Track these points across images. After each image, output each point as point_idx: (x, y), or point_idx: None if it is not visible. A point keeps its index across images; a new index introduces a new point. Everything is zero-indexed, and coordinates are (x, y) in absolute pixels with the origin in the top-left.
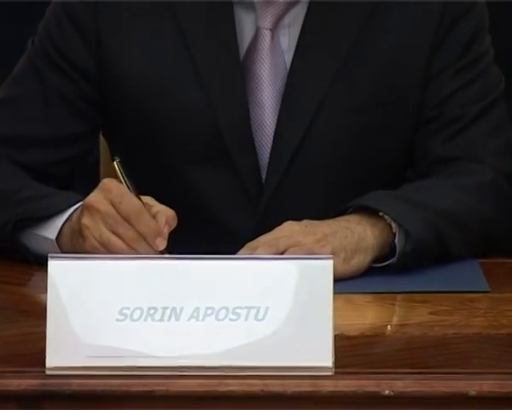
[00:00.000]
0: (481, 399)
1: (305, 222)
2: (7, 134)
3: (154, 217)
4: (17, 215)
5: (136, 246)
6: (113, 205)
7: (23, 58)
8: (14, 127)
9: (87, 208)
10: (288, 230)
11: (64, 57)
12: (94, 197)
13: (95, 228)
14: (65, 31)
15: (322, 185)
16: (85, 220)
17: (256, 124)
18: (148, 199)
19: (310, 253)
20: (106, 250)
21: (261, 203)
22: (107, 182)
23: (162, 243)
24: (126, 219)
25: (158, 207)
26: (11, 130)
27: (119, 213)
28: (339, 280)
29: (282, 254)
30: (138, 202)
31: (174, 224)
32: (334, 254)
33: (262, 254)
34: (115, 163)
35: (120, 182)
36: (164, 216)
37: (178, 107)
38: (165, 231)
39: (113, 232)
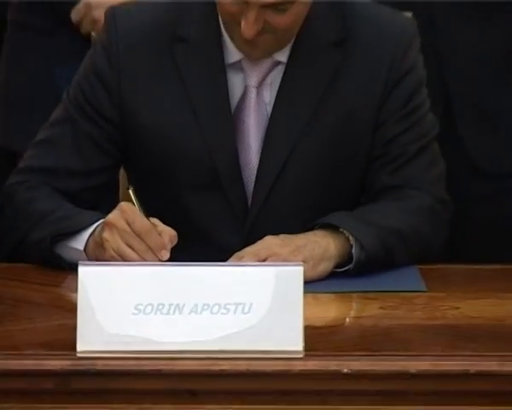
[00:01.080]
0: (420, 376)
1: (281, 236)
2: (47, 166)
3: (159, 234)
4: (53, 231)
5: (145, 256)
6: (128, 223)
7: (60, 105)
8: (53, 161)
9: (107, 225)
10: (268, 242)
11: (93, 108)
12: (113, 216)
13: (113, 241)
14: (94, 87)
15: (295, 209)
16: (106, 235)
17: (244, 162)
18: (155, 220)
19: (285, 261)
20: (122, 259)
21: (247, 224)
22: (123, 205)
23: (166, 255)
24: (138, 235)
25: (163, 227)
26: (51, 163)
27: (133, 230)
28: (308, 282)
29: (263, 261)
30: (148, 221)
31: (175, 241)
32: (304, 261)
33: (247, 261)
34: (130, 191)
35: (134, 205)
36: (167, 234)
37: (182, 149)
38: (169, 245)
39: (128, 245)
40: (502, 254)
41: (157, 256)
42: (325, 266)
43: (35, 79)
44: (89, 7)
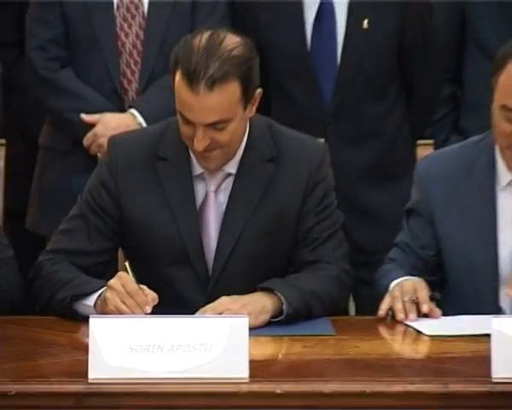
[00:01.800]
0: (331, 394)
1: (233, 297)
2: (67, 248)
3: (145, 295)
4: (72, 294)
5: (134, 310)
6: (123, 286)
7: (76, 205)
8: (71, 245)
9: (109, 287)
10: (223, 301)
11: (99, 207)
12: (113, 281)
13: (112, 299)
14: (100, 193)
15: (242, 277)
16: (107, 294)
17: (206, 245)
18: (143, 286)
19: (235, 314)
20: (118, 313)
21: (208, 288)
22: (121, 273)
23: (148, 309)
24: (130, 295)
25: (148, 290)
26: (69, 246)
27: (126, 291)
28: (252, 329)
29: (219, 314)
30: (137, 286)
31: (156, 300)
32: (249, 314)
33: (209, 314)
34: (126, 264)
35: (129, 274)
36: (151, 295)
37: (161, 237)
38: (151, 303)
39: (122, 302)
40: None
41: (142, 310)
42: (263, 318)
43: (59, 185)
44: (95, 136)
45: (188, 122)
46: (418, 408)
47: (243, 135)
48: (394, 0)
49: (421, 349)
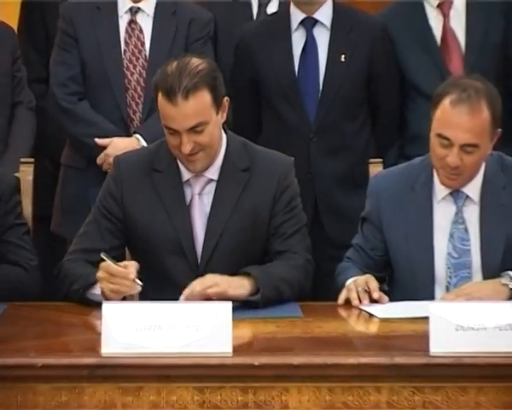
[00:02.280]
0: (300, 366)
1: (218, 276)
2: (84, 248)
3: (126, 266)
4: (83, 284)
5: (122, 285)
6: (106, 272)
7: (90, 213)
8: (87, 245)
9: (98, 280)
10: (211, 276)
11: (109, 212)
12: (98, 274)
13: (105, 287)
14: (108, 201)
15: (225, 264)
16: (101, 286)
17: (196, 239)
18: (122, 263)
19: (223, 290)
20: (114, 294)
21: (198, 273)
22: (101, 264)
23: (132, 276)
24: (114, 276)
25: (127, 262)
26: (86, 246)
27: (111, 274)
28: (234, 312)
29: (207, 286)
30: (116, 267)
31: (137, 267)
32: (229, 287)
33: (196, 288)
34: (102, 255)
35: (108, 261)
36: (131, 264)
37: (158, 232)
38: (134, 271)
39: (112, 284)
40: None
41: (129, 280)
42: (242, 292)
43: (77, 195)
44: (107, 156)
45: (173, 132)
46: (369, 377)
47: (220, 139)
48: (365, 40)
49: (372, 329)
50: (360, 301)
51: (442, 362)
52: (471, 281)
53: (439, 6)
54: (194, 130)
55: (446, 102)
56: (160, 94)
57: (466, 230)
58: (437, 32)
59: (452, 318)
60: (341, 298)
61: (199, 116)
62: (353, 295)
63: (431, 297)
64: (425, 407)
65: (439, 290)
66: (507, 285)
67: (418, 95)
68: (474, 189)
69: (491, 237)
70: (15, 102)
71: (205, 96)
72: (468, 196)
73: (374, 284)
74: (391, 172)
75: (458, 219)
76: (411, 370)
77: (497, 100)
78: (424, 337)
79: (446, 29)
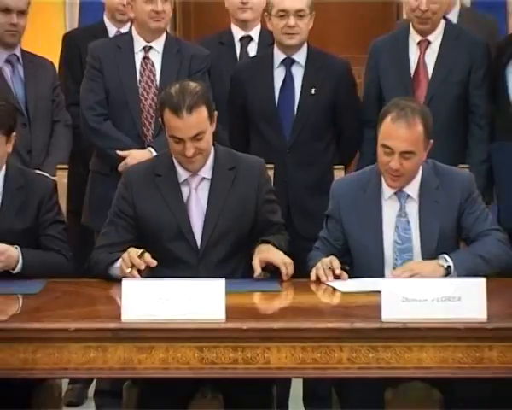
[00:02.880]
0: (279, 329)
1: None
2: (105, 243)
3: (139, 257)
4: (108, 261)
5: (133, 270)
6: (128, 254)
7: (108, 216)
8: (107, 241)
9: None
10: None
11: (122, 213)
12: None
13: (122, 263)
14: (122, 203)
15: (221, 247)
16: (120, 261)
17: (193, 226)
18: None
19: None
20: (127, 273)
21: (199, 254)
22: (129, 249)
23: (142, 266)
24: (131, 259)
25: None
26: (106, 242)
27: (129, 257)
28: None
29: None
30: (134, 252)
31: (153, 263)
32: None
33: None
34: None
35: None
36: (149, 259)
37: (162, 223)
38: (142, 263)
39: (125, 263)
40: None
41: (136, 265)
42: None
43: (101, 195)
44: (126, 164)
45: (178, 141)
46: (334, 338)
47: (211, 146)
48: (331, 77)
49: (336, 300)
50: (326, 276)
51: (391, 327)
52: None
53: (419, 43)
54: (195, 138)
55: (388, 118)
56: (166, 110)
57: (408, 222)
58: (413, 63)
59: (400, 291)
60: (312, 275)
61: (199, 127)
62: (321, 273)
63: (381, 276)
64: (378, 363)
65: (387, 270)
66: (442, 266)
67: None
68: (413, 189)
69: (428, 227)
70: (55, 121)
71: (203, 111)
72: (409, 195)
73: (336, 262)
74: (348, 178)
75: (402, 214)
76: (367, 333)
77: (429, 117)
78: (377, 307)
79: (420, 62)
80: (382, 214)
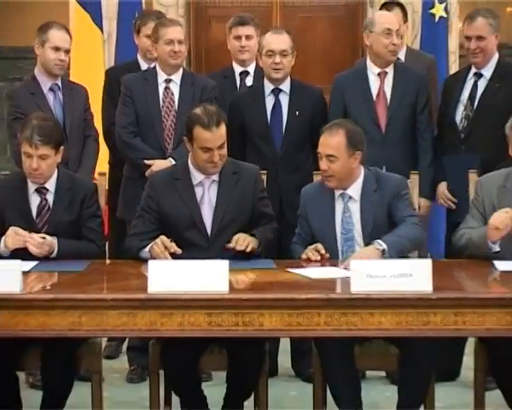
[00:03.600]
0: (271, 299)
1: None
2: (135, 232)
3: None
4: (139, 248)
5: (164, 252)
6: (160, 239)
7: (137, 211)
8: (137, 230)
9: (154, 243)
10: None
11: (149, 208)
12: (156, 240)
13: (155, 246)
14: (148, 201)
15: (225, 234)
16: (154, 245)
17: (205, 218)
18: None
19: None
20: (160, 256)
21: (209, 240)
22: (161, 236)
23: (171, 250)
24: (163, 243)
25: (171, 244)
26: (136, 231)
27: (161, 242)
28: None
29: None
30: (165, 239)
31: (179, 251)
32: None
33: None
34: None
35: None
36: (176, 247)
37: (179, 216)
38: (172, 248)
39: (158, 247)
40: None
41: (169, 250)
42: (253, 244)
43: (133, 195)
44: (152, 171)
45: (207, 150)
46: (313, 306)
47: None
48: (310, 103)
49: (315, 277)
50: (315, 256)
51: (358, 297)
52: (354, 248)
53: (379, 74)
54: (221, 147)
55: (323, 133)
56: (196, 127)
57: (350, 217)
58: (374, 91)
59: (365, 270)
60: (304, 256)
61: (223, 138)
62: (309, 254)
63: (336, 258)
64: (348, 325)
65: (340, 254)
66: (378, 249)
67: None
68: (355, 191)
69: (366, 221)
70: (86, 136)
71: (224, 126)
72: (351, 196)
73: (320, 245)
74: (313, 184)
75: (346, 211)
76: (339, 302)
77: (355, 134)
78: (347, 282)
79: (380, 90)
80: (335, 211)
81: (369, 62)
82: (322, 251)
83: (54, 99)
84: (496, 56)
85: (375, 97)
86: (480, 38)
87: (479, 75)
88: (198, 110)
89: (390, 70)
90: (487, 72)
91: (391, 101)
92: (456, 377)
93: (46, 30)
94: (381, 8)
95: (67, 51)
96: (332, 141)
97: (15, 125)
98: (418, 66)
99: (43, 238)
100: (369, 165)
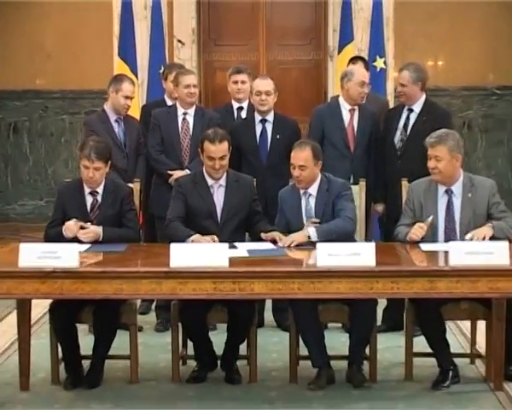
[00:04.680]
0: (260, 271)
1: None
2: (172, 216)
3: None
4: (186, 236)
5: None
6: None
7: (172, 197)
8: (173, 214)
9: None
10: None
11: (179, 199)
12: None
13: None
14: (178, 194)
15: (230, 224)
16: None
17: (217, 211)
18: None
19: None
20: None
21: (219, 227)
22: (204, 236)
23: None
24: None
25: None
26: (173, 215)
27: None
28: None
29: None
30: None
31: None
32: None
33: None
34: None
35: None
36: (211, 238)
37: (198, 209)
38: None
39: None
40: None
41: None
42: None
43: (159, 196)
44: (172, 179)
45: (211, 159)
46: (290, 277)
47: (227, 165)
48: (288, 130)
49: (291, 255)
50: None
51: (322, 270)
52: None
53: (349, 110)
54: (221, 158)
55: (294, 149)
56: (205, 141)
57: (311, 208)
58: (346, 122)
59: (327, 250)
60: (288, 243)
61: (224, 152)
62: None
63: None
64: (314, 290)
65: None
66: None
67: (330, 146)
68: (314, 189)
69: (320, 211)
70: (138, 154)
71: (226, 143)
72: (310, 194)
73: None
74: (287, 187)
75: (307, 204)
76: (308, 274)
77: (317, 149)
78: (314, 258)
79: (350, 121)
80: (302, 205)
81: (342, 100)
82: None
83: (118, 127)
84: (423, 97)
85: (346, 126)
86: (402, 85)
87: (410, 110)
88: (209, 130)
89: (356, 108)
90: (417, 108)
91: (357, 130)
92: (400, 329)
93: (120, 82)
94: (349, 62)
95: (132, 98)
96: (302, 154)
97: None
98: (376, 105)
99: (86, 227)
100: (340, 175)
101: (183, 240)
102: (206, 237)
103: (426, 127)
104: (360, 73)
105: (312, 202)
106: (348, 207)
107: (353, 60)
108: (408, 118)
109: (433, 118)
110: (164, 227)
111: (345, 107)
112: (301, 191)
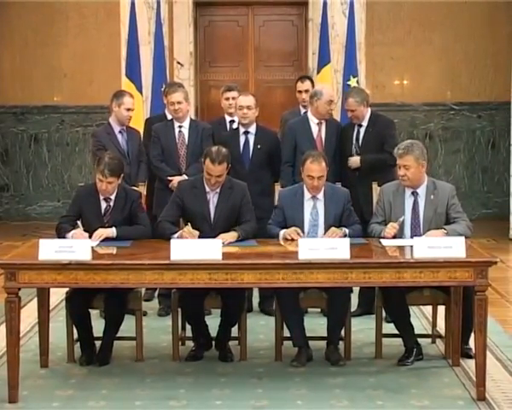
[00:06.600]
0: (250, 264)
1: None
2: (164, 218)
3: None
4: (171, 233)
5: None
6: (188, 230)
7: (169, 202)
8: (166, 216)
9: (183, 231)
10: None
11: (176, 202)
12: (185, 230)
13: (187, 234)
14: (176, 198)
15: (222, 225)
16: (183, 233)
17: (211, 214)
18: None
19: (224, 238)
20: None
21: (212, 228)
22: (185, 227)
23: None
24: (190, 234)
25: (194, 232)
26: (166, 217)
27: (188, 232)
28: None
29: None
30: (191, 230)
31: (196, 234)
32: (227, 237)
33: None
34: (188, 224)
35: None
36: (195, 233)
37: (195, 211)
38: (195, 236)
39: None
40: None
41: (195, 234)
42: (232, 238)
43: (161, 200)
44: (172, 184)
45: (209, 175)
46: (276, 268)
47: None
48: (268, 141)
49: (278, 249)
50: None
51: (304, 262)
52: (317, 231)
53: (317, 123)
54: (219, 176)
55: (308, 161)
56: (207, 159)
57: (317, 212)
58: (315, 134)
59: (308, 245)
60: (281, 237)
61: (222, 172)
62: (293, 235)
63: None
64: (296, 280)
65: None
66: (343, 232)
67: (301, 155)
68: (321, 194)
69: (328, 214)
70: (139, 161)
71: (225, 165)
72: (318, 198)
73: (299, 230)
74: (287, 188)
75: (313, 207)
76: (292, 265)
77: (326, 160)
78: (297, 252)
79: (319, 133)
80: (304, 207)
81: (310, 115)
82: (301, 234)
83: (121, 137)
84: (369, 112)
85: (315, 137)
86: (351, 110)
87: (360, 125)
88: (214, 148)
89: (323, 121)
90: (365, 122)
91: (325, 141)
92: (373, 313)
93: (122, 96)
94: (297, 81)
95: (133, 110)
96: (320, 167)
97: (98, 153)
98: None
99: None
100: None
101: (168, 238)
102: (185, 233)
103: (372, 137)
104: (328, 93)
105: (320, 206)
106: (353, 213)
107: (302, 79)
108: (358, 132)
109: (378, 128)
110: (154, 226)
111: (313, 121)
112: (307, 195)
